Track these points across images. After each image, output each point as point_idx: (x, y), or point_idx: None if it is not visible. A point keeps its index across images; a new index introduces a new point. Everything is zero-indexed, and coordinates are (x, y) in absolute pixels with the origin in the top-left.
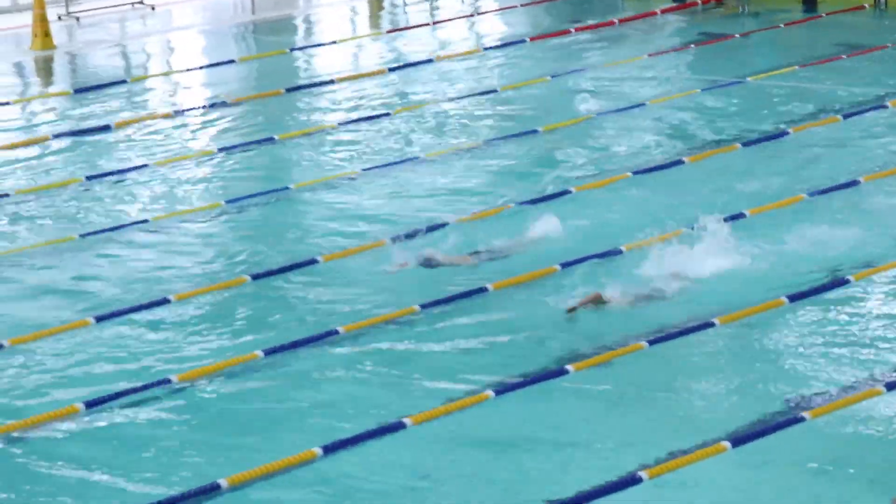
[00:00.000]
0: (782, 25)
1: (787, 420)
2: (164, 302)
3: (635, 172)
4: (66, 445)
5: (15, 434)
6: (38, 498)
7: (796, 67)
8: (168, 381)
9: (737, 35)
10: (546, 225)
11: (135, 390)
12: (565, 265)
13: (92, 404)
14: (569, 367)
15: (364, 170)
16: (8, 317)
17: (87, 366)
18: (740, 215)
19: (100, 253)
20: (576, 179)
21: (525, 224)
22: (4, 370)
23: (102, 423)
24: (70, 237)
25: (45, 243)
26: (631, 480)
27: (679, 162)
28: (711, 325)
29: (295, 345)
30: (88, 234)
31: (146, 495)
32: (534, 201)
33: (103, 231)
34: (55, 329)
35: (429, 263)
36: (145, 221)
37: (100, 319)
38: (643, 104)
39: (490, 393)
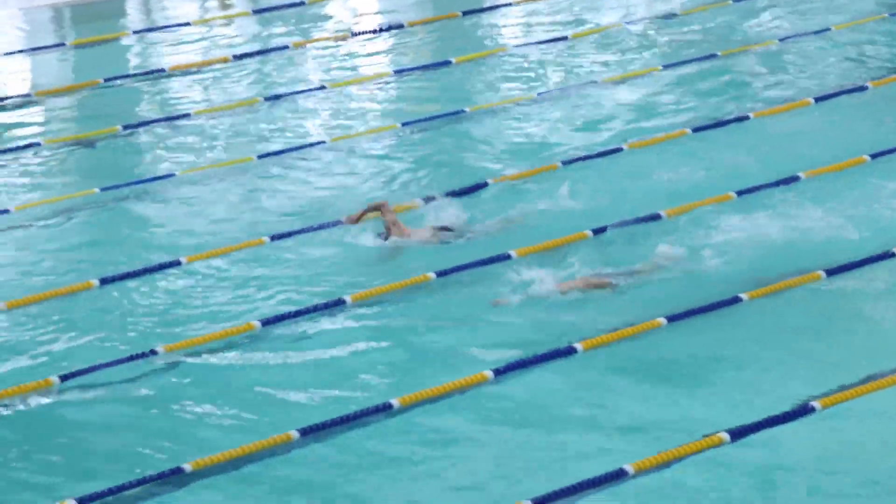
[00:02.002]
0: None
1: None
2: (337, 223)
3: (817, 99)
4: (240, 361)
5: (191, 350)
6: (212, 409)
7: None
8: (343, 302)
9: None
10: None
11: (312, 310)
12: (741, 193)
13: (267, 322)
14: (742, 295)
15: (540, 94)
16: (186, 235)
17: (263, 284)
18: None
19: (276, 173)
20: (755, 106)
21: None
22: (182, 287)
23: (277, 342)
24: (248, 158)
25: (223, 163)
26: (803, 410)
27: (862, 88)
28: (892, 255)
29: (469, 266)
30: (266, 154)
31: (321, 410)
32: (711, 126)
33: (280, 152)
34: (231, 247)
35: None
36: (322, 143)
37: (274, 238)
38: (827, 29)
39: (662, 320)
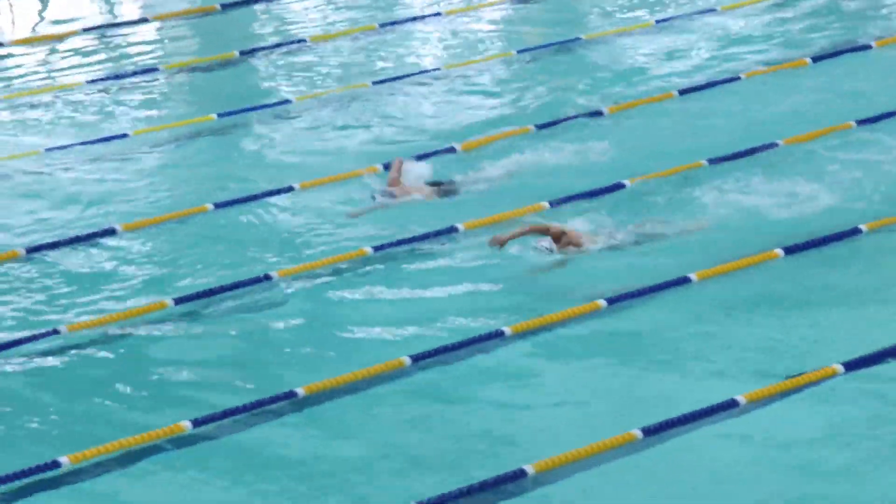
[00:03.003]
0: None
1: None
2: (451, 150)
3: None
4: (352, 287)
5: (303, 275)
6: (324, 334)
7: None
8: (455, 230)
9: None
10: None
11: (424, 237)
12: (861, 122)
13: (379, 248)
14: (861, 227)
15: (658, 21)
16: (300, 161)
17: (376, 211)
18: None
19: (391, 100)
20: (877, 34)
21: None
22: (295, 213)
23: (390, 268)
24: (363, 84)
25: (338, 90)
26: None
27: None
28: None
29: (580, 196)
30: (381, 81)
31: (433, 337)
32: (831, 56)
33: (395, 79)
34: (344, 175)
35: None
36: (437, 70)
37: (388, 167)
38: None
39: (779, 252)
